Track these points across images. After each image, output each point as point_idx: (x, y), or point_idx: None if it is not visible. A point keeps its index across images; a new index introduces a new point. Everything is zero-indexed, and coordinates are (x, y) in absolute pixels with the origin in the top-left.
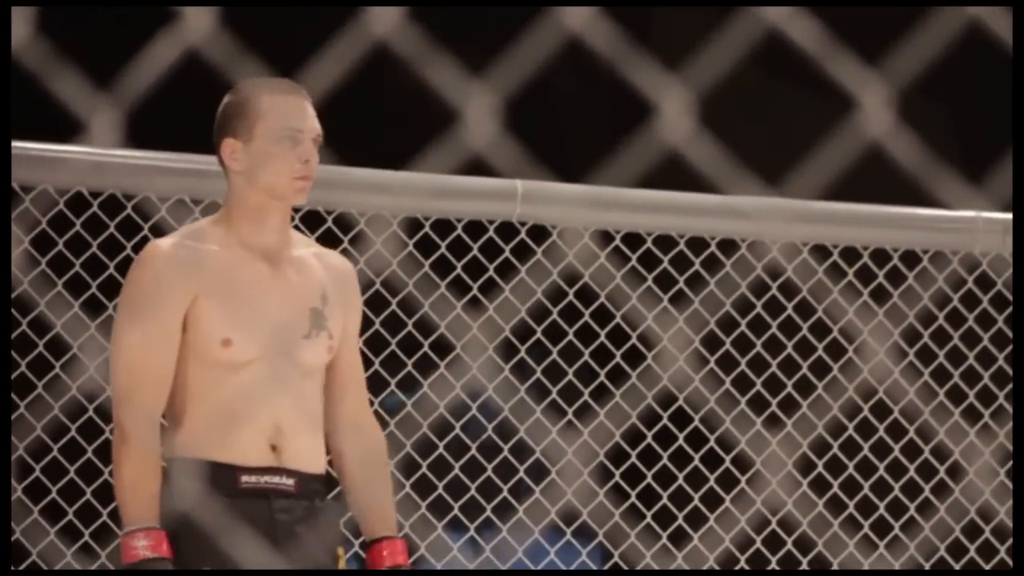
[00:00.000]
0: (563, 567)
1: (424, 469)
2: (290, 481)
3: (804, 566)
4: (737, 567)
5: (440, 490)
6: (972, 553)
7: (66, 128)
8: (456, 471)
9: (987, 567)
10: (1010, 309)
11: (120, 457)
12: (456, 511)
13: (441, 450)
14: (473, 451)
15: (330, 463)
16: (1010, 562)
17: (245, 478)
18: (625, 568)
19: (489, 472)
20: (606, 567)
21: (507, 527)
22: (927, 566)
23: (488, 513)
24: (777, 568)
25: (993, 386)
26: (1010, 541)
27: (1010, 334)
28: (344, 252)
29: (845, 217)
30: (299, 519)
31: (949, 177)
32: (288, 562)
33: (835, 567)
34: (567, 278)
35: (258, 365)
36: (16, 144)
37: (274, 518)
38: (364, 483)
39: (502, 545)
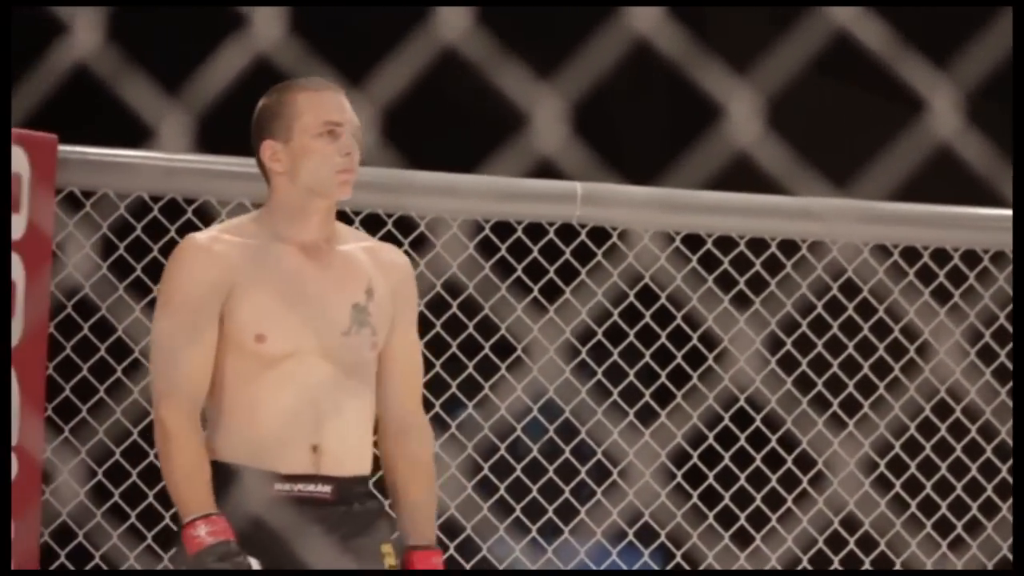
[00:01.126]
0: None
1: (486, 471)
2: (327, 488)
3: (866, 566)
4: (832, 567)
5: (502, 491)
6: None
7: (137, 135)
8: (518, 472)
9: (867, 562)
10: None
11: (167, 453)
12: (518, 513)
13: (503, 452)
14: (535, 453)
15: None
16: None
17: (279, 486)
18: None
19: (551, 474)
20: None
21: (568, 530)
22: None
23: (551, 515)
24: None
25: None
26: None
27: None
28: (407, 255)
29: (915, 217)
30: (335, 526)
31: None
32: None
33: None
34: (631, 280)
35: (294, 361)
36: (82, 149)
37: (305, 528)
38: (404, 487)
39: (565, 548)
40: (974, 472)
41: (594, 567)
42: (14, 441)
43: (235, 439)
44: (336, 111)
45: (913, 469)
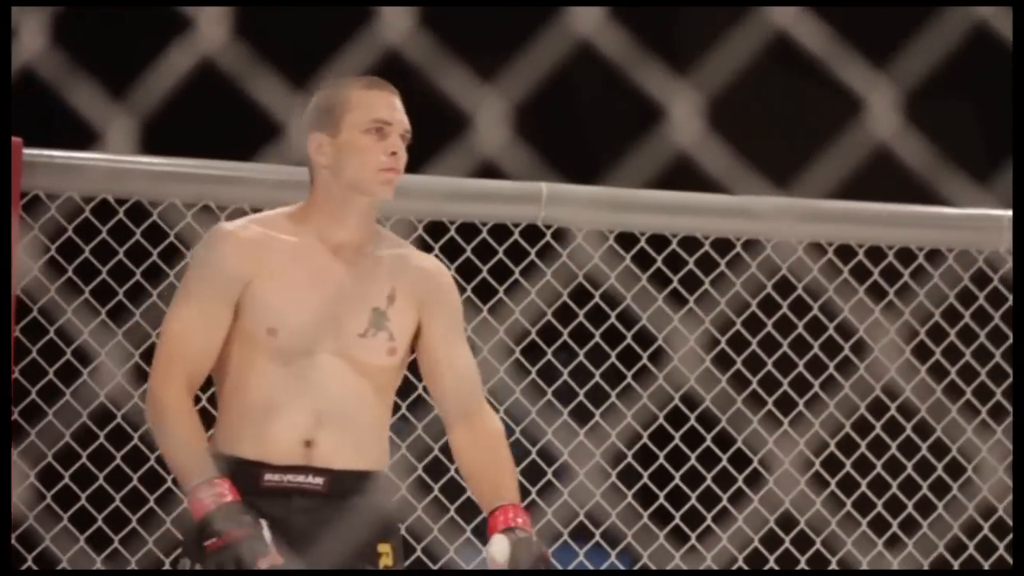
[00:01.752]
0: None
1: (420, 471)
2: (319, 480)
3: (833, 566)
4: (767, 566)
5: (436, 492)
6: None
7: (83, 137)
8: (452, 473)
9: (803, 560)
10: (1006, 305)
11: (163, 426)
12: (452, 514)
13: (436, 452)
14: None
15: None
16: (1009, 559)
17: (268, 476)
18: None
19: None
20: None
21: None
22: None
23: (485, 516)
24: (799, 568)
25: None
26: (1009, 538)
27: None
28: None
29: (850, 215)
30: (324, 519)
31: (958, 177)
32: (301, 563)
33: (864, 566)
34: (568, 279)
35: (305, 359)
36: (36, 152)
37: (290, 518)
38: (480, 467)
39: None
40: (909, 470)
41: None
42: None
43: (233, 429)
44: (387, 110)
45: (849, 468)
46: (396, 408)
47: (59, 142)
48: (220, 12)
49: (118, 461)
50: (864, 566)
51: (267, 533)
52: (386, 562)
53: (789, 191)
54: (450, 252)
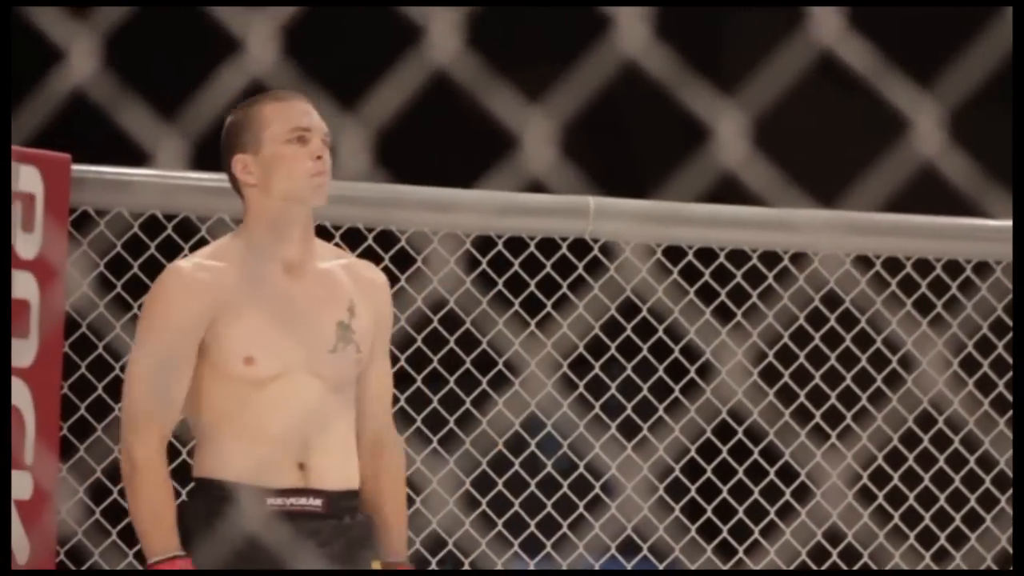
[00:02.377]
0: None
1: (467, 486)
2: (318, 502)
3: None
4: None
5: (484, 506)
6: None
7: (134, 158)
8: (499, 487)
9: None
10: None
11: (133, 487)
12: (500, 527)
13: (485, 466)
14: (516, 467)
15: None
16: None
17: (271, 500)
18: None
19: (533, 489)
20: None
21: (550, 544)
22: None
23: (532, 529)
24: None
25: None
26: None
27: None
28: (398, 270)
29: (897, 228)
30: (328, 539)
31: (1003, 191)
32: None
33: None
34: (618, 294)
35: (283, 382)
36: (85, 167)
37: (299, 541)
38: (377, 501)
39: (549, 563)
40: (957, 483)
41: None
42: (28, 461)
43: (225, 457)
44: (303, 117)
45: (896, 482)
46: (442, 423)
47: (108, 158)
48: (269, 31)
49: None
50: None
51: None
52: None
53: (834, 209)
54: (497, 266)
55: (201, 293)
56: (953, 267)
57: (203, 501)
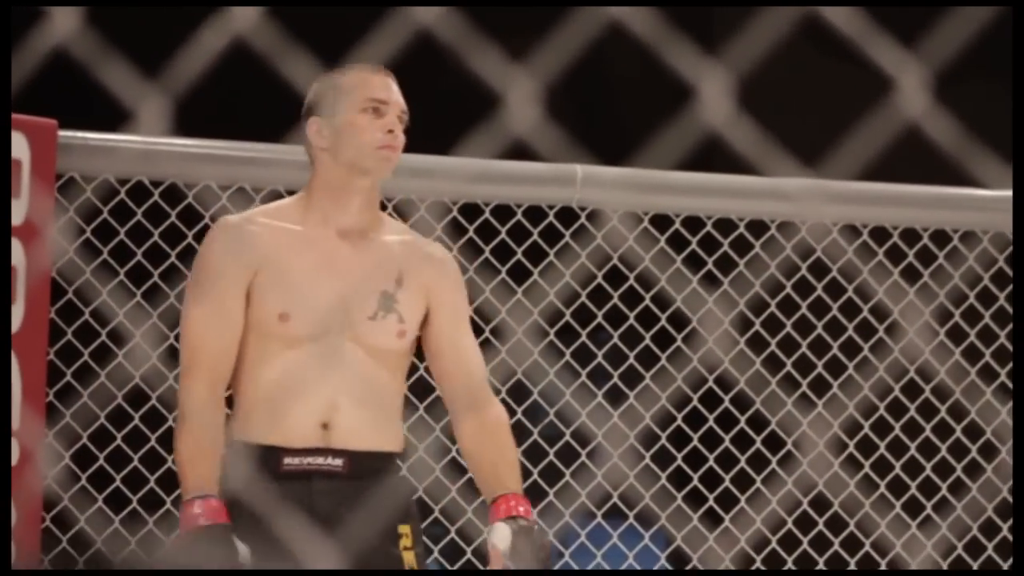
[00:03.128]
0: (594, 549)
1: (454, 453)
2: (338, 461)
3: (867, 547)
4: (799, 548)
5: (470, 473)
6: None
7: (115, 118)
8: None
9: (836, 541)
10: None
11: (178, 433)
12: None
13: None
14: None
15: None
16: None
17: (288, 460)
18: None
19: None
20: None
21: (537, 510)
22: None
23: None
24: (820, 547)
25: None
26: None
27: None
28: None
29: (884, 197)
30: (345, 499)
31: (987, 158)
32: (326, 545)
33: (897, 548)
34: (602, 261)
35: (317, 343)
36: (71, 133)
37: (313, 500)
38: (480, 449)
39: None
40: (943, 452)
41: (563, 548)
42: (15, 427)
43: (249, 416)
44: (383, 90)
45: (882, 449)
46: (428, 390)
47: (92, 123)
48: None
49: (153, 443)
50: (897, 547)
51: (245, 557)
52: (405, 543)
53: (819, 171)
54: (484, 234)
55: (246, 245)
56: (939, 236)
57: (232, 465)
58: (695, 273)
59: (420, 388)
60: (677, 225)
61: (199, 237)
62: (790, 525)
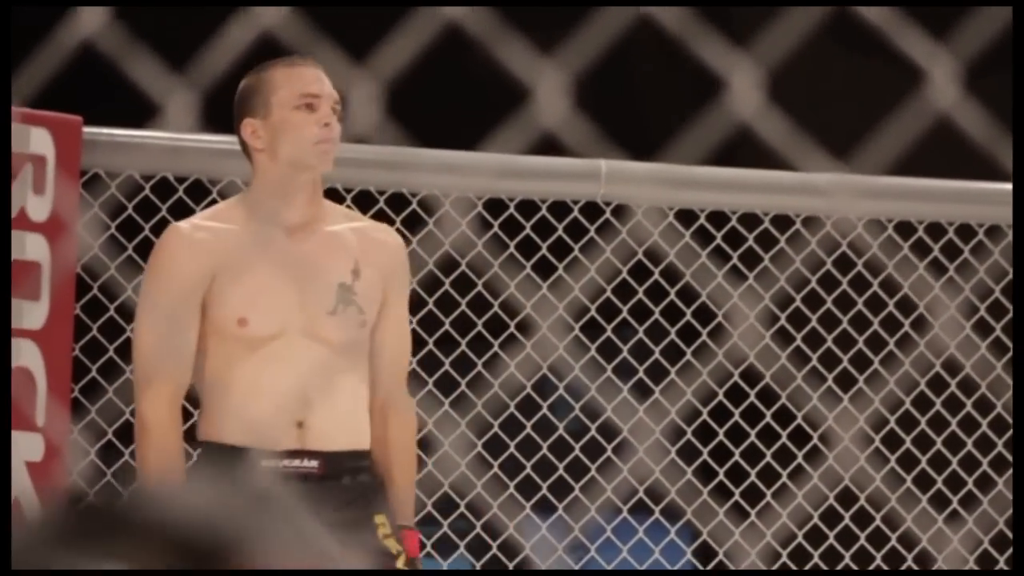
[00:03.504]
0: (651, 544)
1: (479, 448)
2: (314, 463)
3: (894, 541)
4: (826, 542)
5: (495, 469)
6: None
7: (141, 114)
8: (511, 450)
9: (862, 535)
10: None
11: (142, 447)
12: (511, 490)
13: (496, 428)
14: (528, 430)
15: None
16: None
17: (264, 462)
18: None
19: (544, 451)
20: (694, 546)
21: (563, 505)
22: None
23: (544, 490)
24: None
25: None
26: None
27: None
28: (410, 232)
29: (911, 192)
30: (323, 499)
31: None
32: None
33: (925, 542)
34: (630, 256)
35: (279, 343)
36: (96, 130)
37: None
38: (385, 464)
39: (559, 522)
40: (969, 447)
41: (588, 543)
42: (40, 423)
43: (223, 420)
44: (313, 83)
45: (908, 443)
46: (454, 385)
47: (118, 119)
48: None
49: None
50: (924, 542)
51: None
52: (384, 531)
53: (849, 164)
54: (509, 229)
55: (199, 252)
56: (966, 230)
57: (204, 465)
58: (721, 268)
59: (446, 384)
60: (702, 220)
61: None
62: (816, 520)
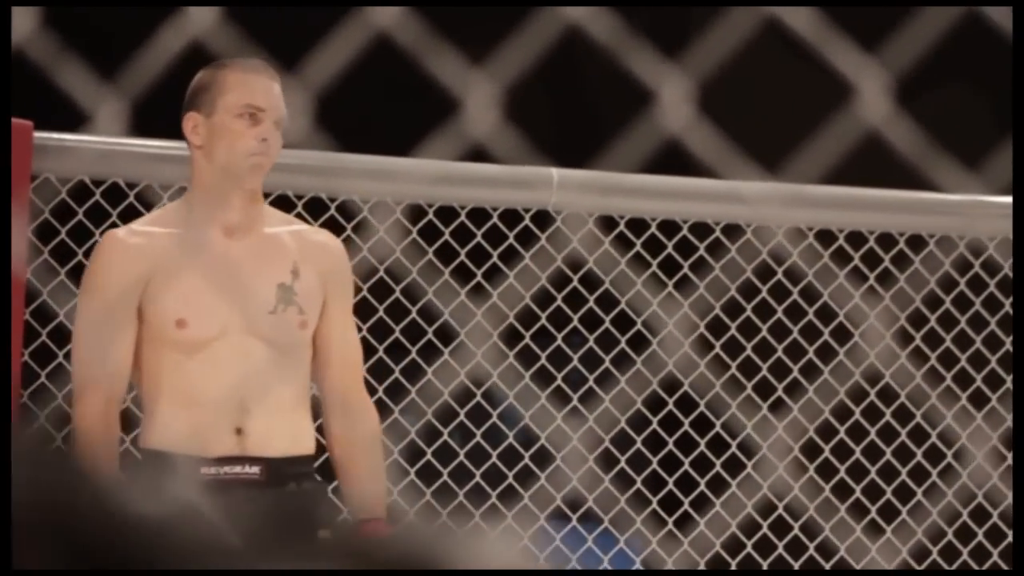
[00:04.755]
0: (569, 552)
1: (429, 456)
2: (255, 469)
3: (810, 551)
4: (742, 552)
5: (445, 477)
6: (980, 537)
7: (73, 119)
8: (461, 458)
9: (994, 551)
10: (986, 292)
11: (74, 455)
12: (461, 497)
13: (445, 437)
14: (478, 438)
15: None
16: (989, 546)
17: (204, 469)
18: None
19: (494, 459)
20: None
21: (512, 513)
22: (934, 550)
23: (493, 499)
24: (782, 553)
25: (1000, 370)
26: (989, 524)
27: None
28: (347, 240)
29: (842, 201)
30: (266, 508)
31: (947, 163)
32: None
33: (842, 552)
34: (569, 264)
35: (218, 345)
36: (43, 135)
37: (232, 512)
38: (349, 463)
39: (509, 531)
40: (888, 456)
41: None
42: None
43: (163, 426)
44: (262, 96)
45: (827, 453)
46: (398, 391)
47: (45, 124)
48: None
49: (127, 444)
50: (843, 551)
51: None
52: None
53: (778, 175)
54: (428, 236)
55: (134, 257)
56: (891, 240)
57: (138, 472)
58: (652, 276)
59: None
60: (622, 227)
61: None
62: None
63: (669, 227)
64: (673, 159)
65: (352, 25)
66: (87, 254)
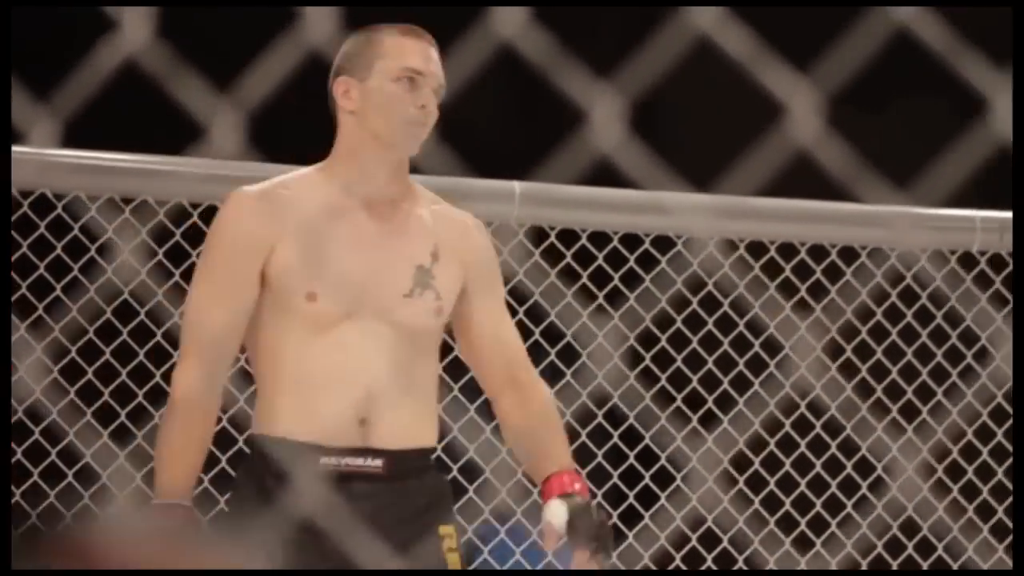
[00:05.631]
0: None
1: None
2: (377, 462)
3: (740, 566)
4: (671, 566)
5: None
6: (910, 550)
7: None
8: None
9: (924, 563)
10: (918, 303)
11: (166, 421)
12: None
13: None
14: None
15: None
16: (919, 560)
17: (324, 459)
18: None
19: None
20: None
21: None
22: (863, 564)
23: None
24: (714, 568)
25: (931, 382)
26: (944, 540)
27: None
28: None
29: (772, 213)
30: (387, 503)
31: (877, 181)
32: (368, 551)
33: (771, 566)
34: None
35: (347, 326)
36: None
37: (352, 505)
38: (531, 433)
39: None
40: (819, 469)
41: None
42: None
43: (281, 410)
44: (421, 60)
45: (757, 465)
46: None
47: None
48: (144, 12)
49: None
50: (772, 564)
51: None
52: (449, 544)
53: (709, 193)
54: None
55: (261, 217)
56: (846, 253)
57: (255, 459)
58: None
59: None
60: (552, 238)
61: (69, 249)
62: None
63: (600, 239)
64: (601, 174)
65: (285, 44)
66: (14, 267)
